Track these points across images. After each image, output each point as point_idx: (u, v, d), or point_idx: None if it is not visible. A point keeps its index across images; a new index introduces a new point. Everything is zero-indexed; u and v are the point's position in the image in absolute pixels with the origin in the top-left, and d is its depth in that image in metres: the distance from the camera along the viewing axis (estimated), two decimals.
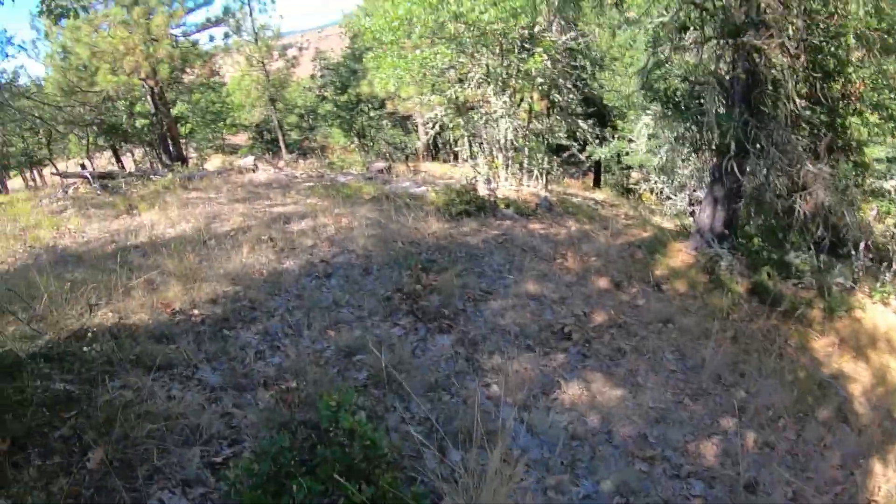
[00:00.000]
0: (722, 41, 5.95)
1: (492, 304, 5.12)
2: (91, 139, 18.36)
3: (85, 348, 3.38)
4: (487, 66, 9.54)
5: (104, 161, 21.69)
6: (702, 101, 6.04)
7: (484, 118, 9.32)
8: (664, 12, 6.12)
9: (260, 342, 4.01)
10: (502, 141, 9.48)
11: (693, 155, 9.16)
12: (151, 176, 9.63)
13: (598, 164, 20.63)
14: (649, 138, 12.87)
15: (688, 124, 6.41)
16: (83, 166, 20.08)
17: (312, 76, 21.24)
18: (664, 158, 10.89)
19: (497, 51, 9.55)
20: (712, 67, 6.06)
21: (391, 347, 4.01)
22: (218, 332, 4.03)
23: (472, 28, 8.40)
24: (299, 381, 3.47)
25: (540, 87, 10.25)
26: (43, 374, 3.14)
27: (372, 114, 20.60)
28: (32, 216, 6.90)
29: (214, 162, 18.32)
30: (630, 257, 6.83)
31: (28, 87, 14.94)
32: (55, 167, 17.72)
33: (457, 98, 9.35)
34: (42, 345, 3.49)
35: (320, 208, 6.89)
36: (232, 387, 3.37)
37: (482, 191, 8.51)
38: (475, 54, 8.79)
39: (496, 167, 10.05)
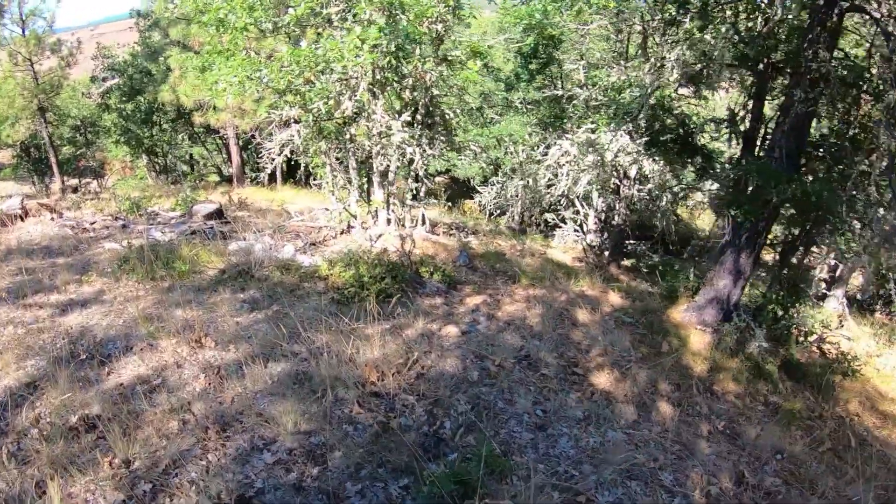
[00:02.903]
0: None
1: None
2: None
3: None
4: (374, 68, 6.46)
5: None
6: None
7: (374, 142, 6.47)
8: None
9: None
10: (389, 172, 6.91)
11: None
12: None
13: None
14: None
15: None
16: None
17: (93, 78, 15.71)
18: (586, 183, 8.16)
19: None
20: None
21: None
22: None
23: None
24: None
25: (430, 98, 7.56)
26: None
27: (165, 126, 15.72)
28: None
29: None
30: (642, 344, 5.17)
31: None
32: None
33: (326, 114, 6.30)
34: None
35: (149, 310, 3.63)
36: None
37: (391, 249, 5.96)
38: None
39: (374, 206, 7.47)
